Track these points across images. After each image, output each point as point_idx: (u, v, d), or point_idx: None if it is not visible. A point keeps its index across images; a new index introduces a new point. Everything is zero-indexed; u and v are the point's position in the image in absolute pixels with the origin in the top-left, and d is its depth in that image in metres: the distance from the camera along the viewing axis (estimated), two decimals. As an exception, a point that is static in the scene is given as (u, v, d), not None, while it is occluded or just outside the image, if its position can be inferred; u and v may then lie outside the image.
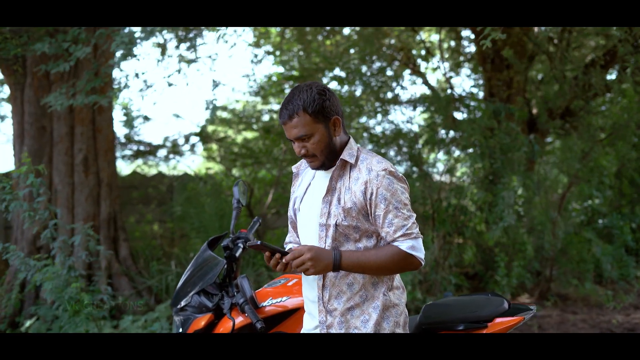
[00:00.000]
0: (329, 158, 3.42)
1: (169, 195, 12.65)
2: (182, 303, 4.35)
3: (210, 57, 8.61)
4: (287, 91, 13.41)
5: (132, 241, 10.12)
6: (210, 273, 4.25)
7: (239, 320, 4.08)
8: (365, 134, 13.06)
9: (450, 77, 14.85)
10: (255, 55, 13.39)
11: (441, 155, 11.28)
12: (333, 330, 3.40)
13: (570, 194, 11.70)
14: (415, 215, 3.37)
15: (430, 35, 14.63)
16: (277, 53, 13.63)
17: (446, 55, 14.92)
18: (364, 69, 13.30)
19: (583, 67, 10.98)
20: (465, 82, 14.38)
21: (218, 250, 4.49)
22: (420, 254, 3.31)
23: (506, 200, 9.32)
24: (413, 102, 13.56)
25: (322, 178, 3.54)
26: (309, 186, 3.62)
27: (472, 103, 11.79)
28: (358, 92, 13.38)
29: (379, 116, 13.36)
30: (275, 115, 14.09)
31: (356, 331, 3.37)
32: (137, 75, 7.68)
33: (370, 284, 3.38)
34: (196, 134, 14.03)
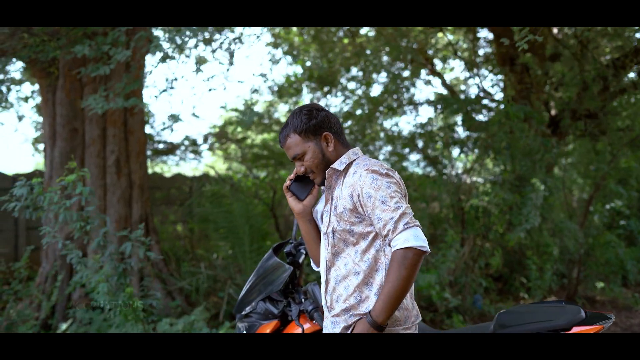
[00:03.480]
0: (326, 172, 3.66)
1: (191, 196, 12.63)
2: (247, 309, 4.34)
3: (230, 56, 8.51)
4: (305, 91, 13.47)
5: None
6: (278, 280, 4.23)
7: (307, 326, 4.06)
8: (382, 134, 13.06)
9: (469, 77, 14.85)
10: (273, 56, 13.37)
11: (461, 156, 11.26)
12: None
13: (588, 196, 11.69)
14: (406, 205, 3.37)
15: (444, 37, 14.62)
16: (295, 53, 13.60)
17: (464, 55, 14.88)
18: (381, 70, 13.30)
19: (604, 68, 10.96)
20: (484, 82, 14.20)
21: (280, 257, 4.47)
22: (418, 241, 3.26)
23: (534, 201, 9.30)
24: (432, 103, 13.57)
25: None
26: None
27: (493, 105, 11.79)
28: (376, 93, 13.39)
29: (397, 116, 13.37)
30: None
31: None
32: (175, 78, 7.64)
33: (364, 285, 3.46)
34: (214, 135, 14.03)
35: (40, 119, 11.32)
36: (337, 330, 3.50)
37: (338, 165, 3.55)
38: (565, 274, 11.20)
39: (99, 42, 7.17)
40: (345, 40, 13.48)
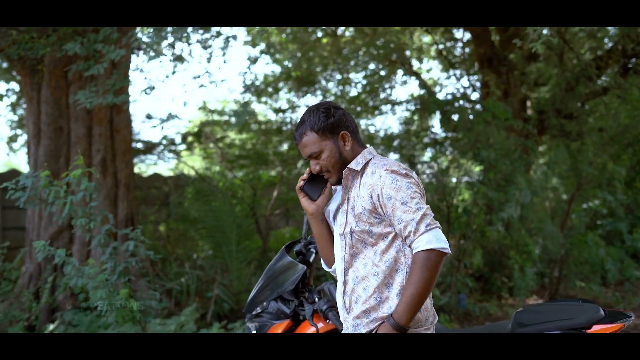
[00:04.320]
0: (342, 172, 3.59)
1: (170, 196, 12.54)
2: (258, 309, 4.30)
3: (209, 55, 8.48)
4: (283, 91, 13.44)
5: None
6: (291, 279, 4.20)
7: (321, 326, 4.04)
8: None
9: (447, 77, 14.93)
10: (250, 55, 13.31)
11: (438, 155, 11.29)
12: None
13: (569, 197, 11.79)
14: (426, 207, 3.38)
15: (420, 37, 14.67)
16: (272, 51, 13.56)
17: (436, 56, 14.96)
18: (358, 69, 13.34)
19: (586, 67, 11.05)
20: (461, 83, 14.28)
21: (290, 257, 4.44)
22: (440, 243, 3.28)
23: (517, 197, 9.36)
24: (407, 102, 13.62)
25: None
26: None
27: (471, 105, 11.84)
28: (353, 93, 13.41)
29: (374, 116, 13.40)
30: (270, 115, 14.04)
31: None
32: (167, 76, 7.58)
33: (384, 286, 3.44)
34: (193, 134, 13.93)
35: (16, 118, 11.16)
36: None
37: (355, 165, 3.52)
38: (546, 273, 11.28)
39: (91, 39, 7.09)
40: (324, 40, 13.48)
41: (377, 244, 3.46)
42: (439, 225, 3.37)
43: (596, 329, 3.70)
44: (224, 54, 8.34)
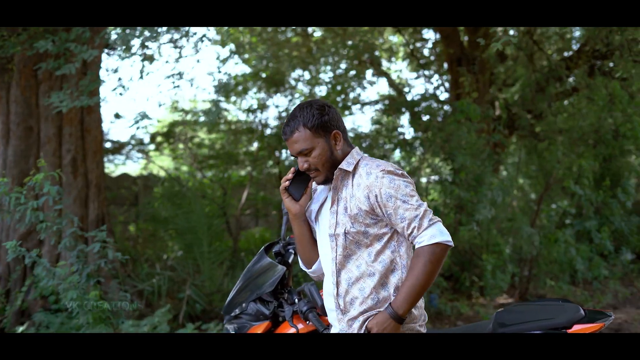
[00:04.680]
0: (331, 171, 3.57)
1: (142, 196, 12.47)
2: (237, 311, 4.27)
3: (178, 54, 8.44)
4: (252, 91, 13.38)
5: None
6: (270, 280, 4.16)
7: (301, 327, 4.02)
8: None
9: (416, 77, 14.96)
10: (218, 58, 13.24)
11: (400, 154, 11.33)
12: None
13: (538, 196, 11.88)
14: (425, 203, 3.43)
15: (389, 37, 14.69)
16: (241, 50, 13.50)
17: (406, 56, 14.99)
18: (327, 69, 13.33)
19: (557, 68, 11.12)
20: (428, 83, 14.33)
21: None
22: (444, 237, 3.34)
23: (490, 198, 9.42)
24: (376, 102, 13.64)
25: (330, 192, 3.67)
26: (325, 200, 3.72)
27: (441, 105, 11.88)
28: (322, 93, 13.39)
29: (342, 116, 13.39)
30: (240, 115, 13.98)
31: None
32: (141, 75, 7.51)
33: (380, 287, 3.46)
34: (162, 134, 13.86)
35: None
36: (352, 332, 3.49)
37: (346, 165, 3.51)
38: (516, 272, 11.35)
39: (62, 38, 7.01)
40: (294, 39, 13.46)
41: (372, 245, 3.47)
42: (439, 219, 3.41)
43: (577, 328, 3.71)
44: (197, 52, 8.26)
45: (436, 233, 3.33)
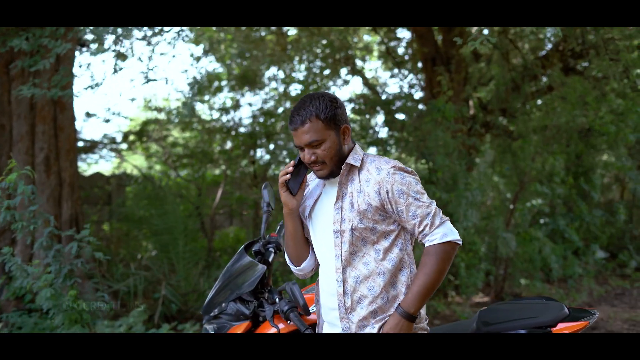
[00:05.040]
0: (337, 166, 3.50)
1: (116, 195, 12.36)
2: (216, 311, 4.21)
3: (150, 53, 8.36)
4: (226, 89, 13.31)
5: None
6: (251, 279, 4.09)
7: (282, 327, 3.96)
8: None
9: (391, 76, 14.95)
10: (192, 55, 13.14)
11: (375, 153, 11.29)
12: None
13: (513, 195, 11.91)
14: (434, 201, 3.44)
15: (363, 35, 14.67)
16: (214, 48, 13.41)
17: (380, 55, 14.98)
18: (302, 68, 13.30)
19: (532, 67, 11.15)
20: (402, 82, 14.33)
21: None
22: (454, 235, 3.38)
23: (470, 200, 9.42)
24: (351, 101, 13.62)
25: (331, 186, 3.62)
26: (320, 195, 3.67)
27: (416, 104, 11.88)
28: (297, 92, 13.34)
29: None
30: (214, 114, 13.87)
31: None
32: (115, 70, 7.41)
33: (390, 285, 3.44)
34: (134, 133, 13.75)
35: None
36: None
37: (354, 161, 3.47)
38: (491, 271, 11.38)
39: (36, 35, 6.91)
40: (269, 37, 13.39)
41: (378, 242, 3.44)
42: (448, 218, 3.45)
43: (561, 327, 3.70)
44: (173, 47, 8.20)
45: (447, 232, 3.37)
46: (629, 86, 9.60)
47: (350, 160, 3.47)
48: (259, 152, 12.92)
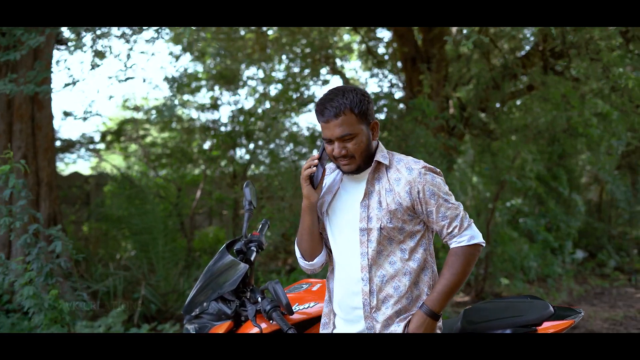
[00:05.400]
0: (365, 161, 3.44)
1: (94, 195, 12.27)
2: (197, 310, 4.16)
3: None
4: (205, 89, 13.24)
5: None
6: (232, 278, 4.05)
7: (264, 326, 3.92)
8: (284, 133, 12.98)
9: (371, 76, 14.92)
10: (171, 53, 13.06)
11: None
12: None
13: (492, 194, 11.93)
14: (461, 203, 3.47)
15: (343, 35, 14.64)
16: (194, 47, 13.34)
17: (360, 55, 14.97)
18: (282, 67, 13.27)
19: (513, 66, 11.15)
20: (383, 82, 14.29)
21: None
22: (479, 238, 3.43)
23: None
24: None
25: (352, 182, 3.56)
26: (337, 191, 3.60)
27: (398, 104, 11.86)
28: (277, 91, 13.31)
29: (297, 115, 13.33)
30: (192, 113, 13.80)
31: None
32: (92, 67, 7.34)
33: (414, 285, 3.44)
34: (112, 133, 13.66)
35: None
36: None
37: (383, 158, 3.43)
38: (472, 271, 11.38)
39: (12, 31, 6.83)
40: (248, 36, 13.34)
41: (404, 242, 3.43)
42: (472, 220, 3.50)
43: (547, 325, 3.70)
44: (152, 44, 8.12)
45: (475, 234, 3.42)
46: (609, 86, 9.61)
47: (379, 157, 3.42)
48: (239, 152, 12.87)
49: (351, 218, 3.48)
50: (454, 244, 3.41)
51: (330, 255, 3.69)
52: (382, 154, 3.44)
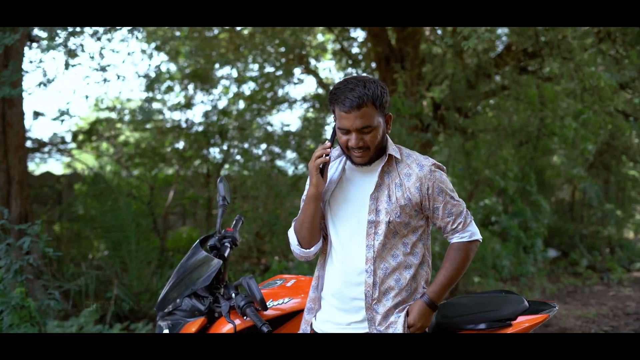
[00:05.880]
0: (377, 154, 3.41)
1: (66, 194, 12.17)
2: (170, 307, 4.12)
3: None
4: (177, 89, 13.16)
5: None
6: (205, 274, 4.02)
7: (238, 323, 3.89)
8: (257, 132, 12.94)
9: (346, 75, 14.91)
10: (144, 51, 12.97)
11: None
12: (381, 328, 3.43)
13: (466, 193, 11.95)
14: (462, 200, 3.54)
15: (317, 34, 14.62)
16: (167, 49, 13.28)
17: (334, 55, 14.96)
18: (255, 67, 13.23)
19: (487, 66, 11.19)
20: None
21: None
22: (479, 234, 3.57)
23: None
24: (305, 101, 13.58)
25: (359, 173, 3.54)
26: (340, 180, 3.58)
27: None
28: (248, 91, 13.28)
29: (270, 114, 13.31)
30: (166, 112, 13.70)
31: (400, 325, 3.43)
32: (66, 67, 7.27)
33: (412, 279, 3.48)
34: (84, 132, 13.54)
35: None
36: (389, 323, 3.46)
37: (395, 152, 3.45)
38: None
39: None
40: (222, 35, 13.28)
41: (407, 236, 3.47)
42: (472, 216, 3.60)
43: (521, 319, 3.70)
44: (127, 46, 8.07)
45: (475, 231, 3.54)
46: (581, 87, 9.66)
47: (391, 151, 3.43)
48: (212, 152, 12.81)
49: (357, 209, 3.49)
50: (456, 239, 3.51)
51: (325, 244, 3.67)
52: (393, 148, 3.46)
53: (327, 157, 3.44)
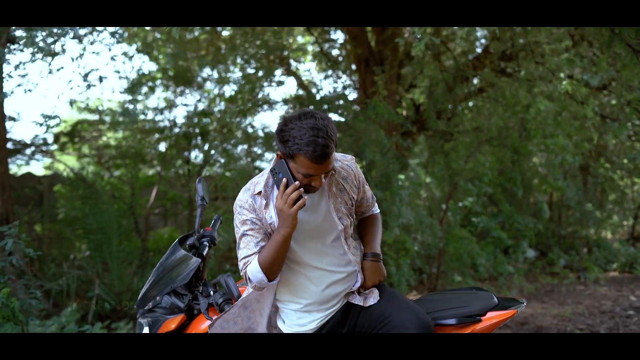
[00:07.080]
0: None
1: (48, 195, 12.18)
2: (150, 304, 4.20)
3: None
4: (159, 89, 13.18)
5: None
6: (184, 272, 4.11)
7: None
8: (238, 134, 12.99)
9: (327, 77, 14.98)
10: (125, 54, 12.99)
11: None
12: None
13: (443, 194, 12.07)
14: None
15: (297, 37, 14.68)
16: (148, 50, 13.29)
17: (314, 57, 15.00)
18: (236, 69, 13.27)
19: (465, 68, 11.27)
20: (336, 83, 14.36)
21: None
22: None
23: (403, 198, 9.52)
24: (286, 102, 13.63)
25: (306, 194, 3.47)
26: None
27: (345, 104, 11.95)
28: (229, 93, 13.33)
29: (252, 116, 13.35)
30: (148, 113, 13.72)
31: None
32: (50, 71, 7.32)
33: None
34: (66, 134, 13.54)
35: None
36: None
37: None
38: (424, 269, 11.50)
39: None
40: (203, 37, 13.33)
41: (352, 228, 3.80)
42: None
43: (490, 315, 3.79)
44: (109, 49, 8.11)
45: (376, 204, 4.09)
46: (554, 90, 9.77)
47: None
48: (194, 153, 12.86)
49: (322, 224, 3.61)
50: (374, 211, 4.06)
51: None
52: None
53: (305, 198, 3.36)
